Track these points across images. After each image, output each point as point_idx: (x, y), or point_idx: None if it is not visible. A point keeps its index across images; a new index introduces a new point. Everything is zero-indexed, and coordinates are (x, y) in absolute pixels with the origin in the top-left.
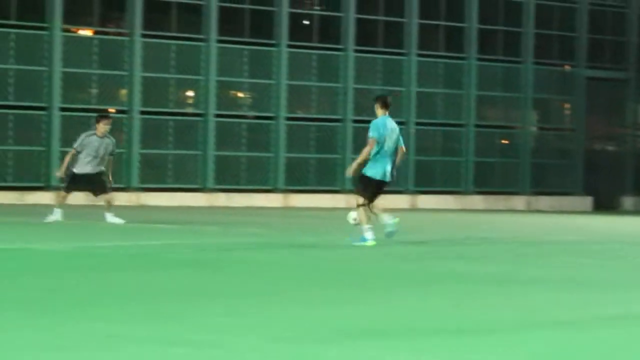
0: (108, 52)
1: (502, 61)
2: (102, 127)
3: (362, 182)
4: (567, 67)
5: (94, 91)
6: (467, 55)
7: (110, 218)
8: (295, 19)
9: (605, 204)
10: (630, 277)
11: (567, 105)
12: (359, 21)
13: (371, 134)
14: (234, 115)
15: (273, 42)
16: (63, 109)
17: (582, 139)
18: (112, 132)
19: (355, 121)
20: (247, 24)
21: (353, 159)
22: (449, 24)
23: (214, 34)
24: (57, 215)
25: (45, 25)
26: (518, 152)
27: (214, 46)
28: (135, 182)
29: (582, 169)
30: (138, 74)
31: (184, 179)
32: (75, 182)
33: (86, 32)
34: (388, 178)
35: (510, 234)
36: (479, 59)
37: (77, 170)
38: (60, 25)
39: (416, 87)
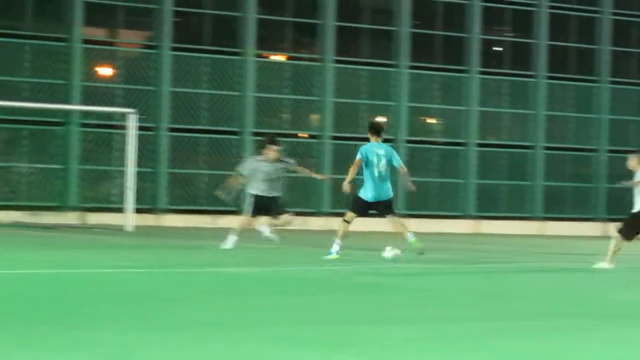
0: (300, 77)
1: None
2: (272, 153)
3: (354, 200)
4: None
5: (286, 116)
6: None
7: (266, 233)
8: (486, 46)
9: None
10: None
11: None
12: (551, 48)
13: (357, 156)
14: (424, 141)
15: (464, 68)
16: (255, 134)
17: None
18: (302, 156)
19: (547, 148)
20: (439, 50)
21: (544, 186)
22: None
23: (405, 60)
24: (231, 242)
25: (238, 50)
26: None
27: (405, 72)
28: (327, 206)
29: None
30: (329, 99)
31: None
32: (257, 206)
33: (278, 58)
34: (383, 197)
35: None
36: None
37: (255, 192)
38: (253, 51)
39: (608, 114)
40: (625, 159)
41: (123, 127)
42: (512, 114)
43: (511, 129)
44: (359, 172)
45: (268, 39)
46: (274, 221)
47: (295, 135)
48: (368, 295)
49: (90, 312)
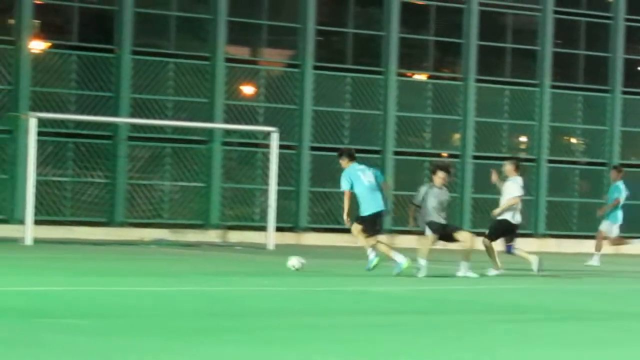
0: (441, 96)
1: None
2: (439, 178)
3: (364, 223)
4: None
5: (427, 135)
6: None
7: (464, 271)
8: (630, 65)
9: None
10: None
11: None
12: None
13: (342, 187)
14: (566, 161)
15: (607, 88)
16: (397, 153)
17: None
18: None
19: None
20: (581, 69)
21: None
22: None
23: (547, 79)
24: (423, 267)
25: (380, 69)
26: None
27: (547, 91)
28: (468, 225)
29: None
30: (471, 118)
31: None
32: (438, 232)
33: (420, 77)
34: (384, 207)
35: None
36: None
37: (434, 219)
38: (395, 70)
39: None
40: None
41: (265, 146)
42: None
43: None
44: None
45: (410, 58)
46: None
47: (437, 155)
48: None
49: (257, 326)
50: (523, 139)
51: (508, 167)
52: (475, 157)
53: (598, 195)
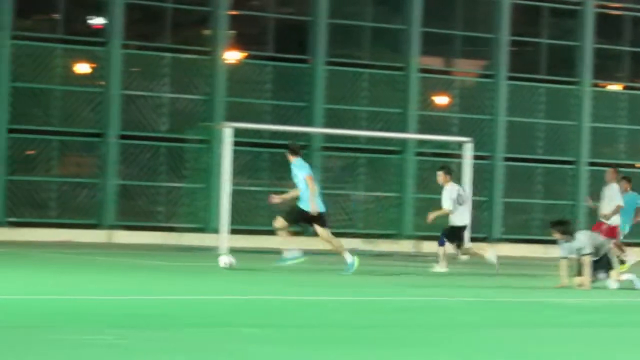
0: (637, 106)
1: None
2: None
3: (320, 217)
4: None
5: (621, 146)
6: None
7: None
8: None
9: None
10: None
11: None
12: None
13: (306, 172)
14: None
15: None
16: (591, 164)
17: None
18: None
19: None
20: None
21: None
22: None
23: None
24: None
25: (575, 80)
26: None
27: None
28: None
29: None
30: None
31: None
32: None
33: (615, 87)
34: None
35: None
36: None
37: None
38: (590, 80)
39: None
40: None
41: (459, 156)
42: None
43: None
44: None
45: (604, 68)
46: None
47: (632, 166)
48: None
49: (432, 338)
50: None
51: None
52: None
53: None
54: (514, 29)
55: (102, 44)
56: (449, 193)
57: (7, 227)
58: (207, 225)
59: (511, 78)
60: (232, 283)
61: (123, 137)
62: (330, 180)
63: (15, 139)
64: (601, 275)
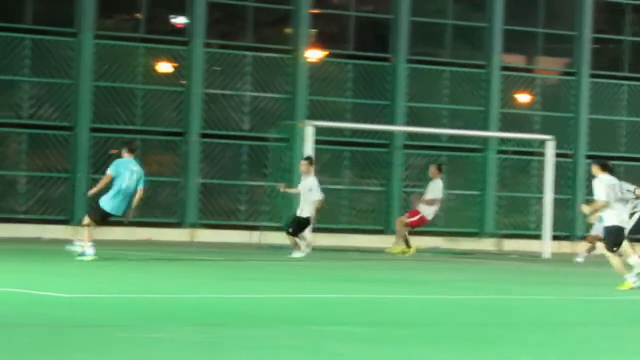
0: None
1: None
2: None
3: (94, 208)
4: None
5: None
6: None
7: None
8: None
9: None
10: None
11: None
12: None
13: (109, 170)
14: None
15: None
16: None
17: None
18: None
19: None
20: None
21: None
22: None
23: None
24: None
25: None
26: None
27: None
28: None
29: None
30: None
31: None
32: None
33: None
34: (119, 212)
35: None
36: None
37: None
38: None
39: None
40: None
41: (541, 154)
42: None
43: None
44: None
45: None
46: None
47: None
48: None
49: (512, 338)
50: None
51: None
52: None
53: None
54: (596, 26)
55: (184, 43)
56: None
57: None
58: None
59: (593, 75)
60: (316, 281)
61: (204, 135)
62: (411, 179)
63: (98, 138)
64: None
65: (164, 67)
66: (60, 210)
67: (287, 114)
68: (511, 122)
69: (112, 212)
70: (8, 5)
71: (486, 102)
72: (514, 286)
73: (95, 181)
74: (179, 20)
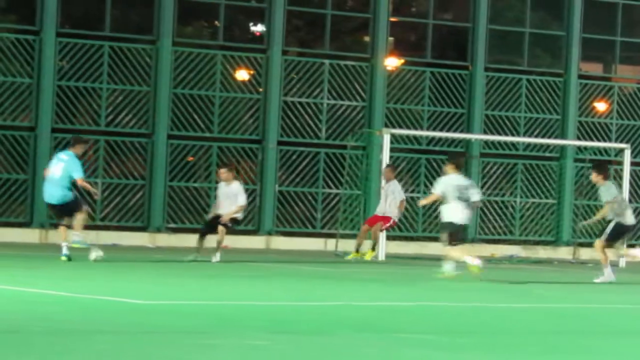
0: None
1: None
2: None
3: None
4: None
5: None
6: None
7: None
8: None
9: None
10: None
11: None
12: None
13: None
14: None
15: None
16: None
17: None
18: None
19: None
20: None
21: None
22: None
23: None
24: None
25: None
26: None
27: None
28: None
29: None
30: None
31: None
32: None
33: None
34: (53, 201)
35: None
36: None
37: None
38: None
39: None
40: None
41: (618, 162)
42: None
43: None
44: None
45: None
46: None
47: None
48: None
49: (594, 347)
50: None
51: None
52: None
53: None
54: None
55: (262, 51)
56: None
57: (167, 233)
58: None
59: None
60: (392, 288)
61: (282, 143)
62: (488, 187)
63: (175, 145)
64: None
65: (242, 74)
66: (137, 217)
67: (364, 121)
68: (588, 130)
69: None
70: (88, 13)
71: (563, 111)
72: (592, 294)
73: (172, 189)
74: (258, 27)
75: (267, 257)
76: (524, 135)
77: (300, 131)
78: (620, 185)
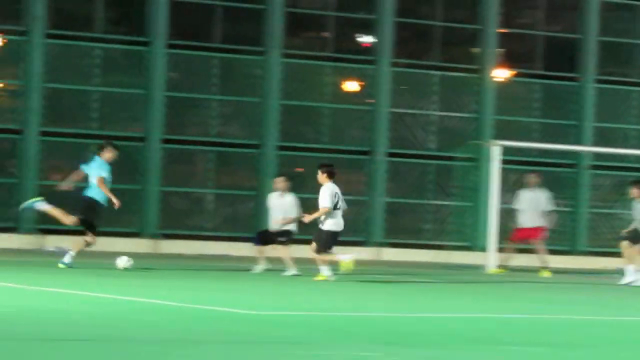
0: None
1: None
2: None
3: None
4: None
5: None
6: None
7: None
8: None
9: None
10: None
11: None
12: None
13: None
14: None
15: None
16: None
17: None
18: None
19: None
20: None
21: None
22: None
23: None
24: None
25: None
26: None
27: None
28: None
29: None
30: None
31: None
32: None
33: None
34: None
35: None
36: None
37: None
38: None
39: None
40: None
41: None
42: None
43: None
44: None
45: None
46: None
47: None
48: None
49: None
50: None
51: None
52: None
53: None
54: None
55: (371, 62)
56: None
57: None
58: (474, 244)
59: None
60: (499, 301)
61: (391, 154)
62: (598, 199)
63: (285, 156)
64: None
65: (351, 85)
66: (247, 227)
67: (474, 133)
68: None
69: None
70: (197, 24)
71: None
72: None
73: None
74: (367, 39)
75: (375, 269)
76: (635, 147)
77: (410, 142)
78: None
